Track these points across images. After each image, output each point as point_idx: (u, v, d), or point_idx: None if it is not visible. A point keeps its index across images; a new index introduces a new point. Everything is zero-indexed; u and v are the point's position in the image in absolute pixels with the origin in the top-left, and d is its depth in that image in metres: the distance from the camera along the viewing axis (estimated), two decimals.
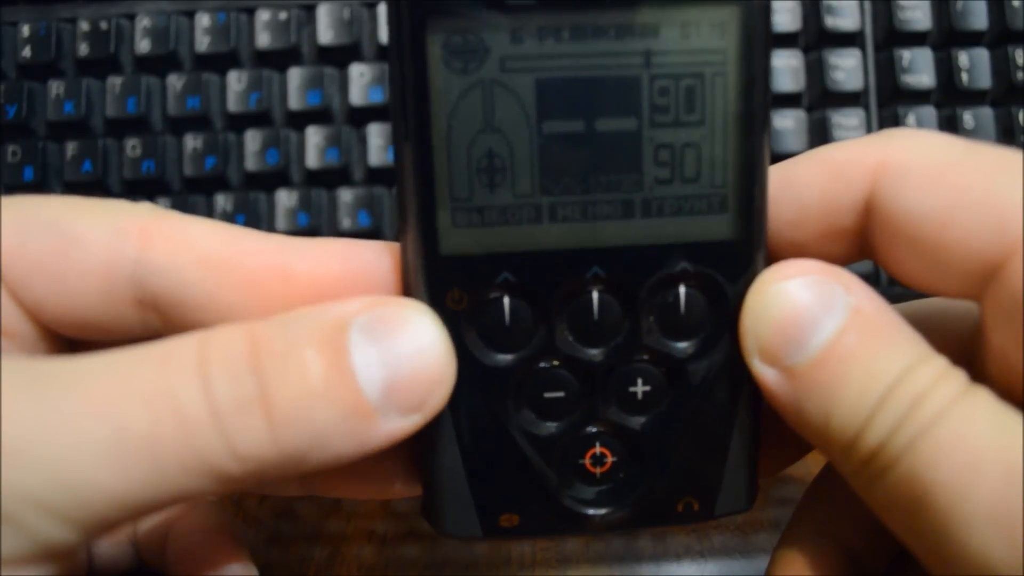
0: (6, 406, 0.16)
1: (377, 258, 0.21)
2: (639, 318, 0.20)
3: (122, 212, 0.20)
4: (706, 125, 0.19)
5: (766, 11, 0.19)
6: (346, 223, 0.40)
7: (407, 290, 0.20)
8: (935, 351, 0.18)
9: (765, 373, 0.19)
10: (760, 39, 0.19)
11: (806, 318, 0.19)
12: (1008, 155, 0.18)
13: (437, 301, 0.19)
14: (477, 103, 0.19)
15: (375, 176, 0.41)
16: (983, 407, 0.17)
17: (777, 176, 0.20)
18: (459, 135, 0.19)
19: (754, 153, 0.19)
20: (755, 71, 0.19)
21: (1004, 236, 0.18)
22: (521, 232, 0.19)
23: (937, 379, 0.17)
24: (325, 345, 0.18)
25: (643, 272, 0.20)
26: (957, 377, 0.18)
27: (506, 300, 0.20)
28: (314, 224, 0.40)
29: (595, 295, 0.20)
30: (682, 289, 0.20)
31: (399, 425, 0.18)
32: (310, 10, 0.42)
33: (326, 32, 0.41)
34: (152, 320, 0.20)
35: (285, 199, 0.41)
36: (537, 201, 0.19)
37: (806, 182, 0.20)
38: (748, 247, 0.20)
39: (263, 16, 0.42)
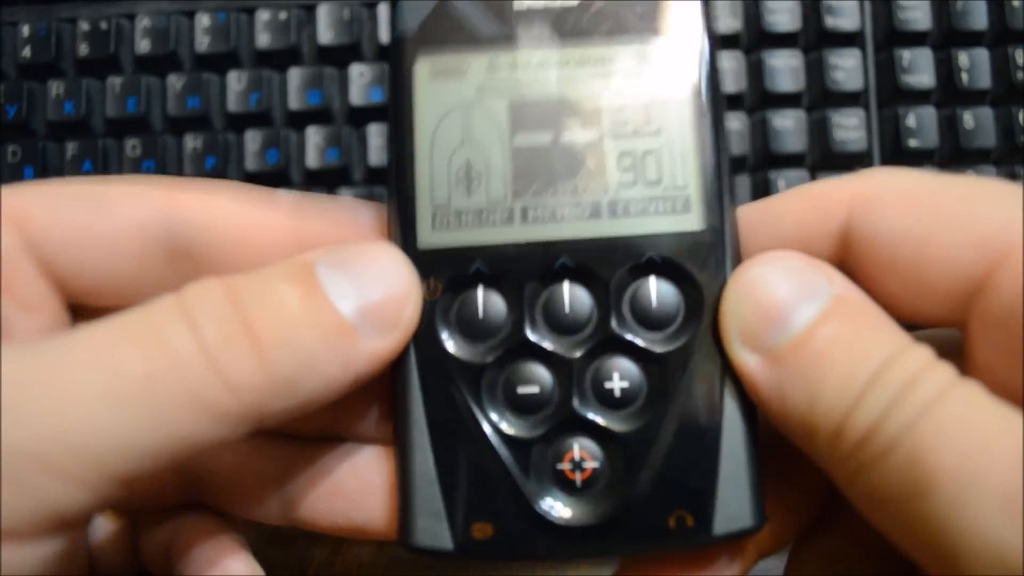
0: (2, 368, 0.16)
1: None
2: (611, 310, 0.21)
3: (146, 179, 0.21)
4: (663, 135, 0.21)
5: (711, 36, 0.21)
6: None
7: None
8: (920, 342, 0.18)
9: (747, 360, 0.19)
10: (706, 62, 0.21)
11: (788, 300, 0.19)
12: (981, 179, 0.19)
13: None
14: (457, 122, 0.21)
15: (375, 176, 0.41)
16: (980, 394, 0.17)
17: (756, 207, 0.21)
18: (440, 149, 0.21)
19: (711, 155, 0.21)
20: (706, 85, 0.21)
21: (986, 250, 0.18)
22: (494, 231, 0.21)
23: (927, 365, 0.17)
24: (296, 279, 0.19)
25: (612, 262, 0.21)
26: (946, 367, 0.17)
27: (479, 290, 0.21)
28: None
29: (565, 285, 0.21)
30: (652, 279, 0.21)
31: (379, 344, 0.19)
32: (310, 10, 0.42)
33: (326, 32, 0.41)
34: (184, 277, 0.21)
35: None
36: (510, 204, 0.21)
37: (783, 211, 0.21)
38: (715, 238, 0.20)
39: (263, 16, 0.42)
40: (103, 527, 0.24)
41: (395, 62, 0.22)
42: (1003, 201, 0.18)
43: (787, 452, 0.20)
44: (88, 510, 0.17)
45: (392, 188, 0.21)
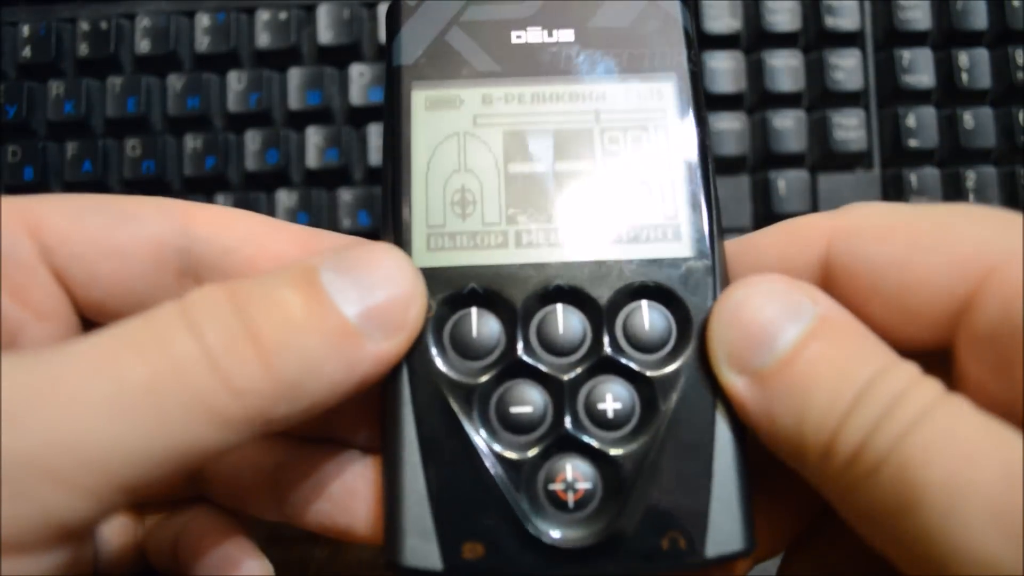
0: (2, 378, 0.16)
1: None
2: (603, 332, 0.21)
3: (163, 198, 0.22)
4: (653, 166, 0.22)
5: (696, 76, 0.23)
6: (346, 223, 0.40)
7: None
8: (906, 359, 0.18)
9: (735, 382, 0.19)
10: (695, 97, 0.22)
11: (773, 322, 0.19)
12: (957, 205, 0.19)
13: None
14: (453, 150, 0.22)
15: (375, 176, 0.41)
16: (967, 409, 0.17)
17: (739, 242, 0.22)
18: (436, 175, 0.22)
19: (700, 184, 0.22)
20: (692, 121, 0.22)
21: (969, 270, 0.18)
22: (489, 252, 0.21)
23: (913, 381, 0.17)
24: (299, 283, 0.19)
25: (605, 286, 0.21)
26: (932, 382, 0.17)
27: (472, 310, 0.21)
28: (314, 224, 0.40)
29: (559, 307, 0.21)
30: (644, 303, 0.21)
31: (385, 347, 0.19)
32: (310, 10, 0.42)
33: (326, 32, 0.41)
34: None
35: (285, 199, 0.41)
36: (504, 228, 0.22)
37: (765, 245, 0.21)
38: (704, 264, 0.21)
39: (263, 16, 0.42)
40: (107, 521, 0.24)
41: (392, 92, 0.23)
42: (981, 223, 0.19)
43: (779, 461, 0.20)
44: (93, 519, 0.17)
45: (387, 211, 0.22)
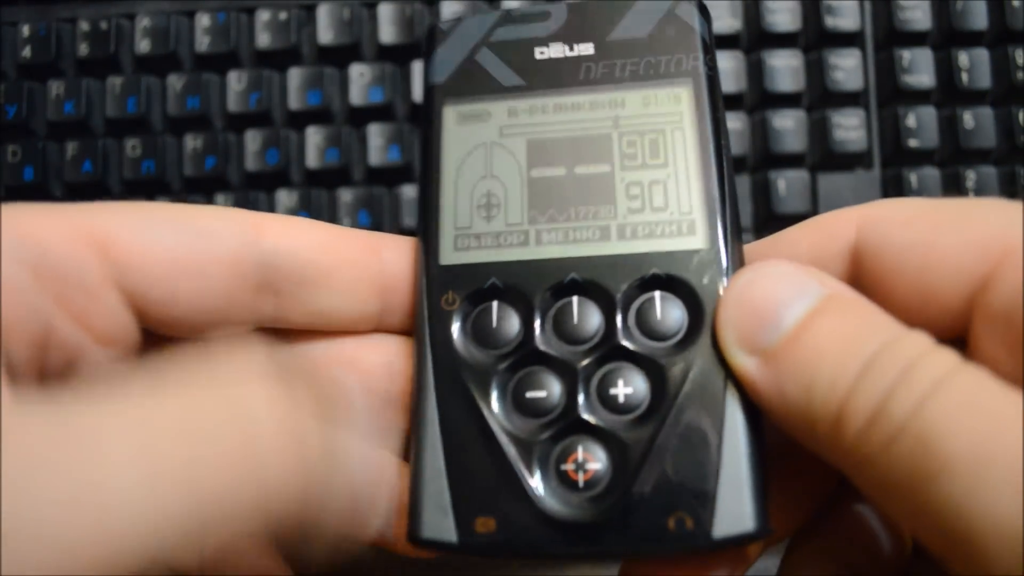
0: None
1: None
2: (617, 322, 0.22)
3: (230, 209, 0.22)
4: (670, 166, 0.23)
5: (713, 81, 0.24)
6: (346, 223, 0.40)
7: (414, 292, 0.23)
8: (918, 330, 0.18)
9: (744, 363, 0.19)
10: (711, 101, 0.23)
11: (780, 300, 0.19)
12: (981, 198, 0.21)
13: (433, 302, 0.23)
14: (480, 159, 0.24)
15: (375, 176, 0.41)
16: (986, 377, 0.17)
17: (769, 239, 0.23)
18: (464, 181, 0.24)
19: (715, 183, 0.23)
20: (709, 123, 0.23)
21: (987, 249, 0.18)
22: (510, 250, 0.23)
23: (926, 350, 0.17)
24: None
25: (618, 278, 0.22)
26: (947, 351, 0.17)
27: (493, 302, 0.23)
28: None
29: (575, 299, 0.22)
30: (656, 294, 0.22)
31: None
32: (310, 10, 0.42)
33: (326, 32, 0.41)
34: (266, 306, 0.22)
35: (285, 199, 0.41)
36: (525, 228, 0.23)
37: (796, 238, 0.22)
38: (717, 256, 0.22)
39: (263, 16, 0.42)
40: None
41: (426, 108, 0.25)
42: (1000, 210, 0.19)
43: (785, 450, 0.20)
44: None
45: (421, 214, 0.24)
